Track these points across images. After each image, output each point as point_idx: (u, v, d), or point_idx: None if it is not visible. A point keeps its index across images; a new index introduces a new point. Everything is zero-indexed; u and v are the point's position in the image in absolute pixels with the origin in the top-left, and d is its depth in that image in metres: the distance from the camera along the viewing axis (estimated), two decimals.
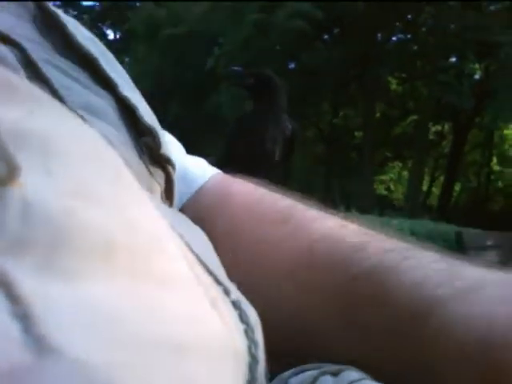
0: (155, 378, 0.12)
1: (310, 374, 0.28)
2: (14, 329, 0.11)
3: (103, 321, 0.12)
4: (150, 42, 11.47)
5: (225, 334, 0.16)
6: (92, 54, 0.29)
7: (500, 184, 13.33)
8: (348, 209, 5.69)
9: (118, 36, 16.05)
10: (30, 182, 0.13)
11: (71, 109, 0.24)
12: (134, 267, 0.14)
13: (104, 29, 15.79)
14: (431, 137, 11.96)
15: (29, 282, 0.12)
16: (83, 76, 0.28)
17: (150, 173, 0.30)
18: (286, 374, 0.27)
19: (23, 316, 0.11)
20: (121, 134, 0.28)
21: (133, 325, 0.13)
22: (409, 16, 10.14)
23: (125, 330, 0.12)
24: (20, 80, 0.16)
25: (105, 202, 0.15)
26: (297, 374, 0.29)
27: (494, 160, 13.06)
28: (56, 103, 0.17)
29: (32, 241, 0.12)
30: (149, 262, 0.15)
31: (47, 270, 0.12)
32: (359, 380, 0.26)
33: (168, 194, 0.32)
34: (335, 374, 0.28)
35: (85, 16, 14.88)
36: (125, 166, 0.17)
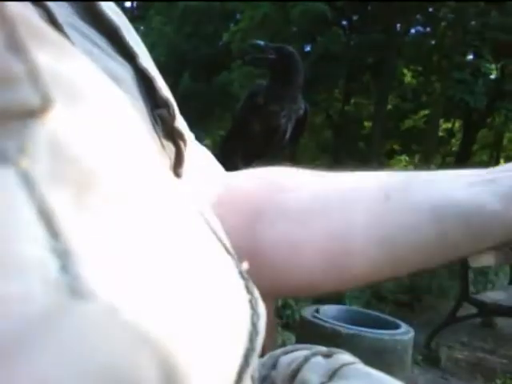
0: (178, 325, 0.12)
1: (301, 354, 0.27)
2: (52, 266, 0.10)
3: (132, 268, 0.12)
4: (166, 13, 11.38)
5: (235, 300, 0.16)
6: (115, 23, 0.29)
7: None
8: None
9: (134, 4, 16.00)
10: (58, 122, 0.13)
11: None
12: (158, 225, 0.14)
13: None
14: (441, 133, 11.89)
15: (67, 218, 0.11)
16: (104, 43, 0.28)
17: (162, 146, 0.29)
18: (278, 351, 0.27)
19: (63, 253, 0.11)
20: (137, 103, 0.28)
21: (161, 277, 0.13)
22: (430, 9, 10.00)
23: (152, 280, 0.12)
24: (50, 30, 0.16)
25: (124, 161, 0.15)
26: (287, 352, 0.28)
27: (502, 162, 13.01)
28: (83, 57, 0.17)
29: (64, 176, 0.12)
30: (167, 221, 0.15)
31: (80, 206, 0.12)
32: (352, 363, 0.26)
33: (176, 170, 0.31)
34: (327, 356, 0.28)
35: None
36: (141, 132, 0.18)
